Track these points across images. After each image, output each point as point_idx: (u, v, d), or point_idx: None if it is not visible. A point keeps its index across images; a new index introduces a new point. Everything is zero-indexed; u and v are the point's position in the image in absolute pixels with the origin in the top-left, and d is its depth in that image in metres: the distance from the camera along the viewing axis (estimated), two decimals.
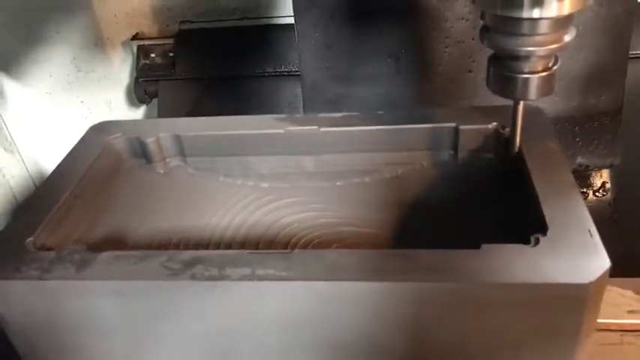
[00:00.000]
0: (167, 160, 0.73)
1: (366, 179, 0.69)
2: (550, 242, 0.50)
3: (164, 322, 0.54)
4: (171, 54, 1.46)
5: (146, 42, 1.50)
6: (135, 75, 1.49)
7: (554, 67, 0.55)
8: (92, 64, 1.56)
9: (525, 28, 0.52)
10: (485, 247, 0.50)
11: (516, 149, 0.62)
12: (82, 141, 0.72)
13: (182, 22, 1.47)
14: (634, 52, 1.10)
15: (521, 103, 0.59)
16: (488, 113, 0.66)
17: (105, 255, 0.54)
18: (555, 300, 0.48)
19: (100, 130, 0.74)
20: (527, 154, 0.61)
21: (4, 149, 1.55)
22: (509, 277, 0.48)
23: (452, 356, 0.53)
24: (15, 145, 1.57)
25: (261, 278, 0.50)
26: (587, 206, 0.54)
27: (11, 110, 1.56)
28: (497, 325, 0.50)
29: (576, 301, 0.48)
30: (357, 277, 0.49)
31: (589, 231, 0.51)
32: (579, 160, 1.06)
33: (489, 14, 0.54)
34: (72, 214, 0.63)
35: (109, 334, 0.56)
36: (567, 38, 0.53)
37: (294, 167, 0.71)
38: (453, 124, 0.67)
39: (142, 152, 0.72)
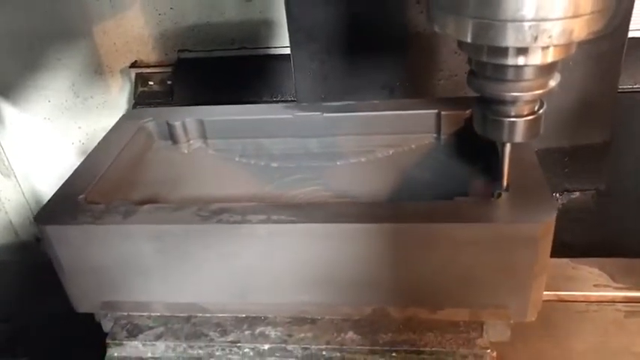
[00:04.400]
0: (191, 141, 0.92)
1: (363, 159, 0.87)
2: (511, 196, 0.68)
3: (196, 260, 0.72)
4: (169, 82, 1.61)
5: (145, 70, 1.65)
6: (133, 102, 1.64)
7: (540, 111, 0.61)
8: (91, 91, 1.71)
9: (511, 74, 0.57)
10: (457, 199, 0.69)
11: (504, 189, 0.69)
12: (118, 125, 0.91)
13: (181, 50, 1.62)
14: (623, 87, 1.24)
15: (508, 144, 0.65)
16: (465, 101, 0.85)
17: (146, 206, 0.72)
18: (513, 239, 0.65)
19: (132, 116, 0.94)
20: None
21: (1, 173, 1.70)
22: (475, 219, 0.65)
23: (428, 288, 0.71)
24: (12, 169, 1.71)
25: (275, 221, 0.68)
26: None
27: (9, 134, 1.71)
28: (467, 260, 0.67)
29: (530, 240, 0.64)
30: (352, 220, 0.67)
31: (542, 190, 0.68)
32: (566, 186, 1.17)
33: (476, 60, 0.59)
34: (112, 182, 0.81)
35: (149, 271, 0.73)
36: (552, 83, 0.59)
37: (301, 148, 0.90)
38: (435, 111, 0.86)
39: (169, 134, 0.91)
